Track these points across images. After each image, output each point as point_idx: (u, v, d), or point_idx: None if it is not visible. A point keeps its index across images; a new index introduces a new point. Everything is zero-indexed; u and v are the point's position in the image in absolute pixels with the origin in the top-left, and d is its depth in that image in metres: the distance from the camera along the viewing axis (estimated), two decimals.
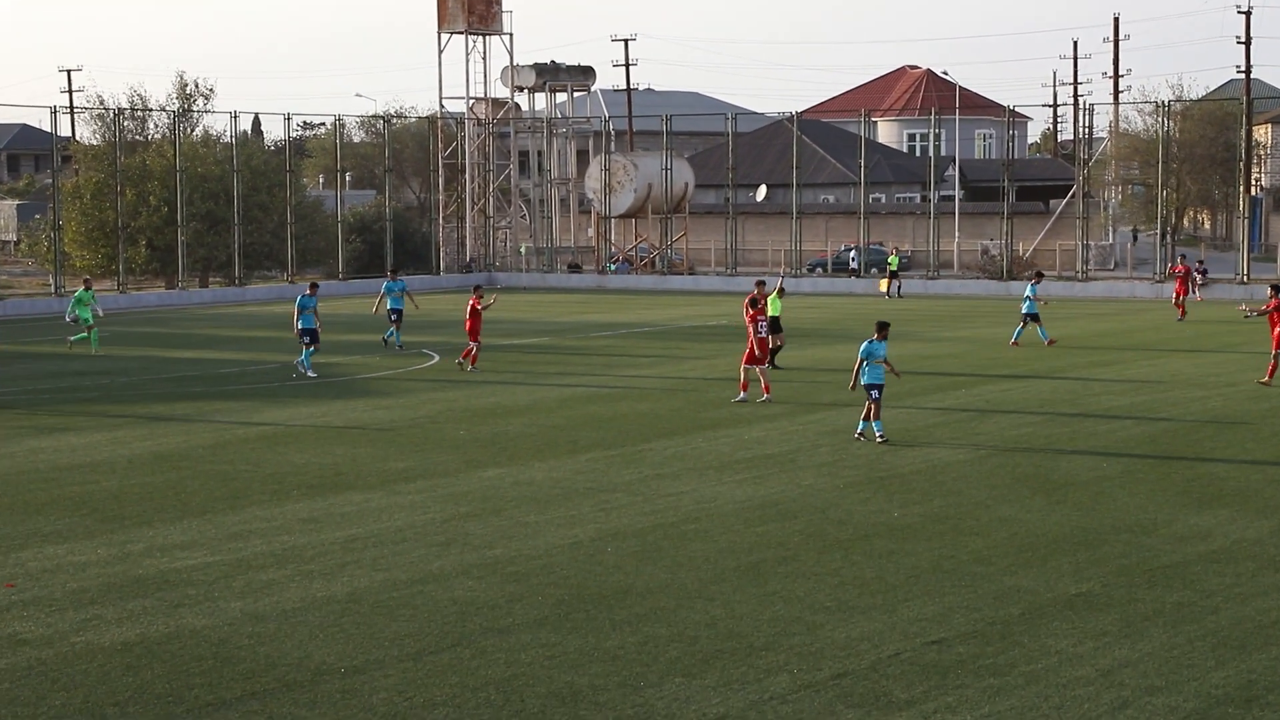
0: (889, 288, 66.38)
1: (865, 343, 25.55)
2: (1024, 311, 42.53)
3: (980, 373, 35.55)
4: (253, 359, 40.41)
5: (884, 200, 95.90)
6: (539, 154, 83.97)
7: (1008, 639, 14.40)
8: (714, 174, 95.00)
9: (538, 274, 79.05)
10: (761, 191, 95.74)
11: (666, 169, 77.93)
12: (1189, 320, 50.46)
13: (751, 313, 30.56)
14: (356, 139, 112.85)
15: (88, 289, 43.47)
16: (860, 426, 25.75)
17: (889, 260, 68.69)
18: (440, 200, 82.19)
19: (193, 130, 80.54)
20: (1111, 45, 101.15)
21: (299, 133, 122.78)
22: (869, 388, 25.35)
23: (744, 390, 30.60)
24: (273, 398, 32.35)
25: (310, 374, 35.56)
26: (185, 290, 68.64)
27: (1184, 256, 54.99)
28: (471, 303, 36.86)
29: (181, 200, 68.70)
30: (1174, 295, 53.35)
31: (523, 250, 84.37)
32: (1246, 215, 70.09)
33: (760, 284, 32.22)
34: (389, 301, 42.41)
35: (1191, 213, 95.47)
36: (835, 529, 19.12)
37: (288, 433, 27.32)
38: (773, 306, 34.70)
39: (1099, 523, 19.33)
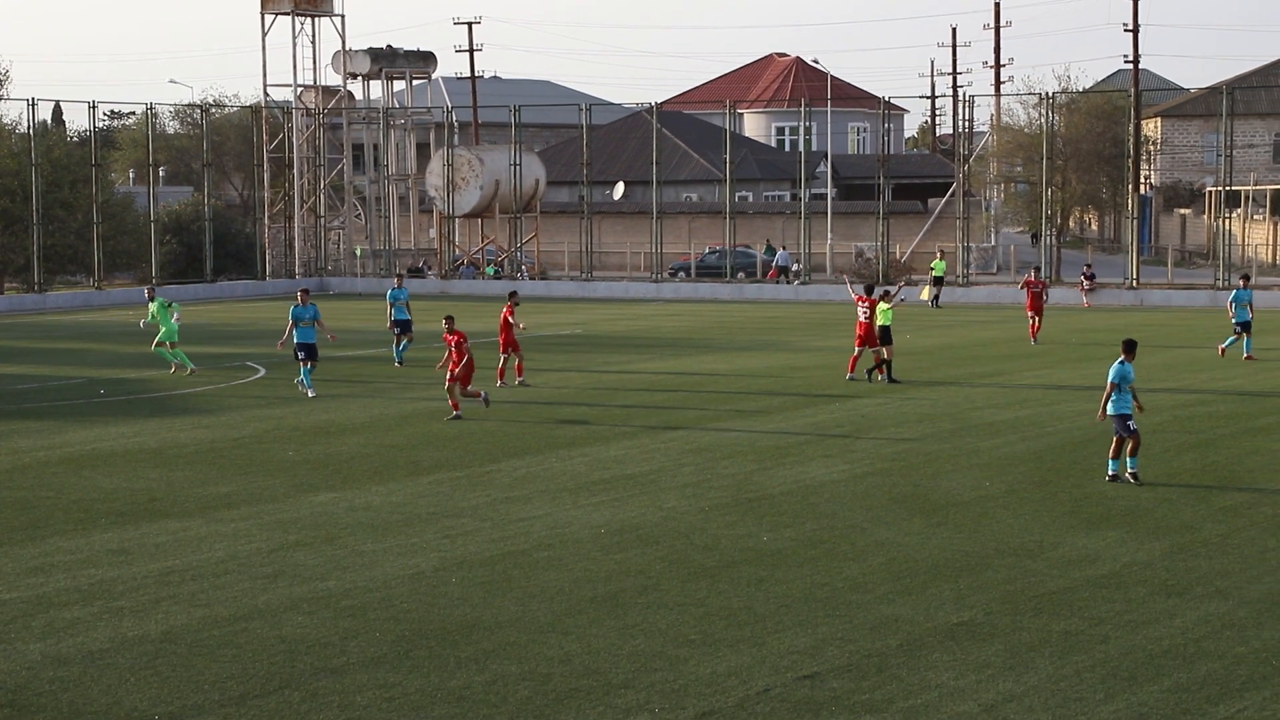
0: (931, 295, 64.41)
1: (1115, 364, 23.83)
2: (1238, 320, 40.58)
3: (853, 385, 35.92)
4: (54, 374, 39.69)
5: (751, 199, 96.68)
6: (375, 147, 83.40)
7: (885, 672, 14.59)
8: (567, 170, 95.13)
9: (374, 279, 78.55)
10: (619, 189, 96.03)
11: (515, 164, 77.88)
12: (1043, 343, 45.62)
13: (868, 300, 36.14)
14: (171, 130, 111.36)
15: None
16: (1111, 466, 23.86)
17: (933, 265, 66.12)
18: (265, 198, 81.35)
19: None
20: (993, 32, 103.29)
21: (106, 122, 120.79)
22: (1121, 419, 23.62)
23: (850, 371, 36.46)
24: (78, 416, 31.81)
25: (310, 392, 33.96)
26: None
27: (1037, 270, 51.44)
28: (505, 312, 35.72)
29: None
30: (1028, 315, 47.13)
31: (358, 253, 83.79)
32: (1136, 216, 71.60)
33: (887, 291, 37.74)
34: (393, 312, 40.33)
35: (1079, 213, 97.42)
36: (700, 555, 19.23)
37: (95, 454, 26.89)
38: (883, 316, 36.24)
39: (981, 546, 19.64)
